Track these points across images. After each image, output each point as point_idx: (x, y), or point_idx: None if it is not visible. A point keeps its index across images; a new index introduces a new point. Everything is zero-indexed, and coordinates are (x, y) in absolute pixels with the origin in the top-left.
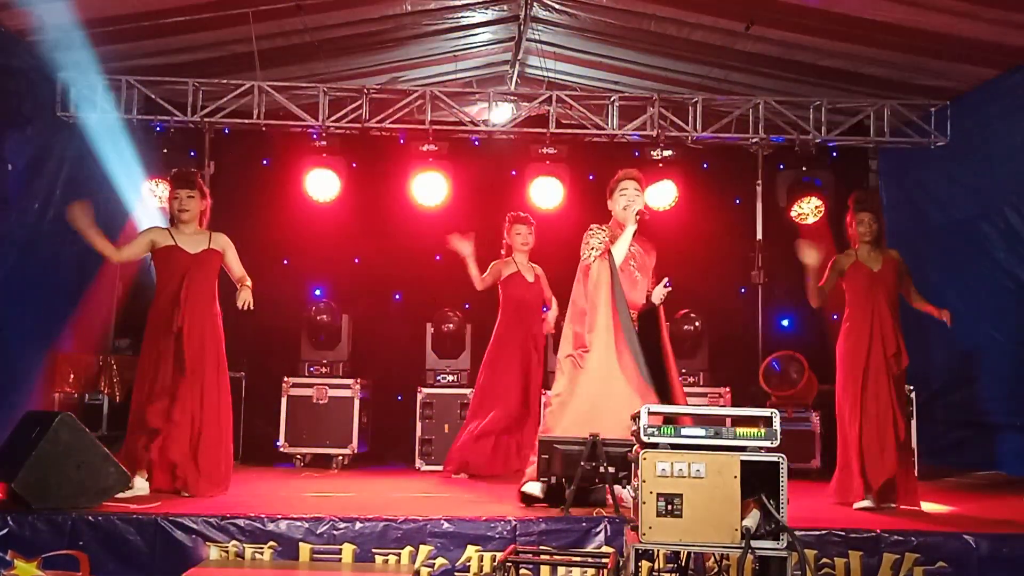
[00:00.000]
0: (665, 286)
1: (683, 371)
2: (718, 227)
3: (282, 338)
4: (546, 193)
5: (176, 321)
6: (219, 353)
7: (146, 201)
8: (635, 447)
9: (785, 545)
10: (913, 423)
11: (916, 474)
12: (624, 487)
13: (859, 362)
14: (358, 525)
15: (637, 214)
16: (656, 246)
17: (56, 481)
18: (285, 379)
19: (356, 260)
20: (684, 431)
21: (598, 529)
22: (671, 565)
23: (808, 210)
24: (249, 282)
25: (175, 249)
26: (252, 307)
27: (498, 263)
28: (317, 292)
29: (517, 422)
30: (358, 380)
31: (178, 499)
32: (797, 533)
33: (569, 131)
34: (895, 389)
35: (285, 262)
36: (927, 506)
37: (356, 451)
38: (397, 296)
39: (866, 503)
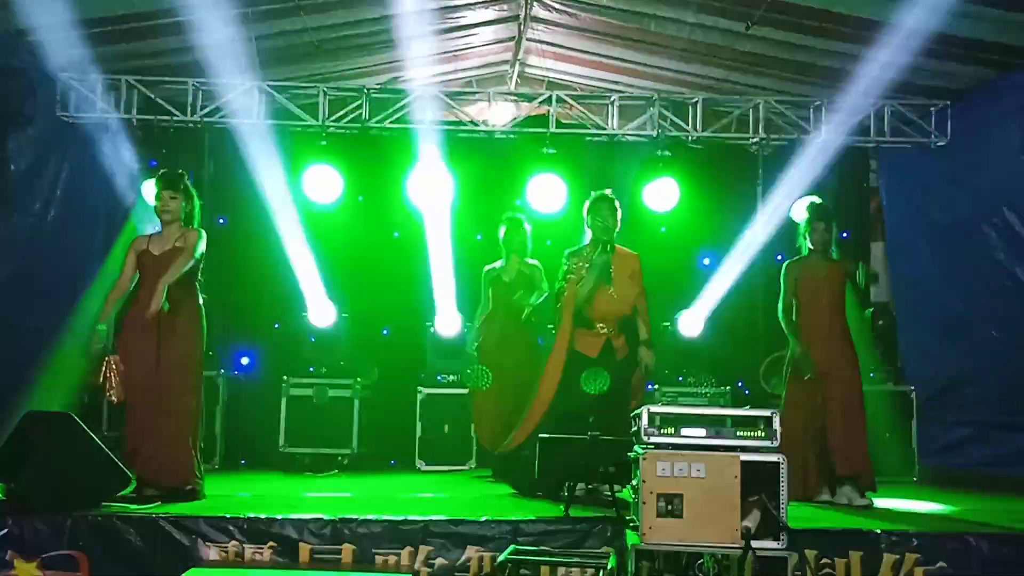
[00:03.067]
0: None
1: (683, 371)
2: (718, 227)
3: (283, 338)
4: (546, 193)
5: (132, 322)
6: (185, 355)
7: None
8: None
9: (785, 545)
10: (913, 423)
11: (869, 466)
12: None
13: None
14: (358, 525)
15: (604, 240)
16: (636, 254)
17: (56, 481)
18: (285, 379)
19: (356, 260)
20: (684, 431)
21: (598, 529)
22: (671, 565)
23: (804, 217)
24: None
25: (145, 252)
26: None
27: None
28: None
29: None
30: (358, 380)
31: (178, 499)
32: (797, 533)
33: (569, 131)
34: (839, 386)
35: (286, 262)
36: (927, 506)
37: (356, 451)
38: (397, 296)
39: (824, 496)
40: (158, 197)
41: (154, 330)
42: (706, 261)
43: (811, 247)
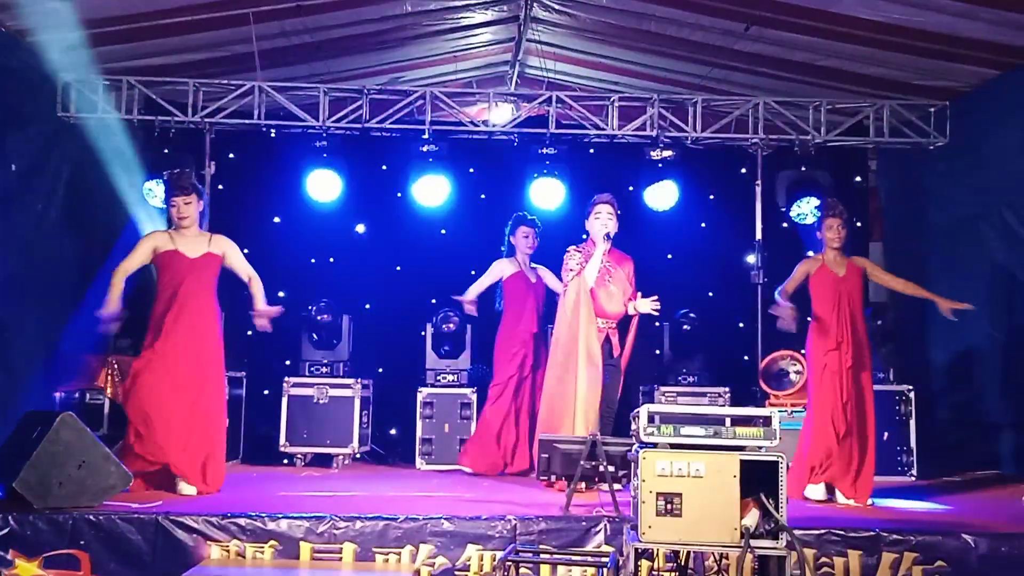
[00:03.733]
0: (655, 304)
1: (683, 371)
2: (718, 227)
3: (282, 338)
4: (546, 193)
5: (175, 325)
6: (217, 356)
7: (147, 202)
8: (635, 446)
9: (784, 544)
10: (912, 423)
11: (873, 471)
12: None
13: (824, 362)
14: (359, 524)
15: (605, 237)
16: (630, 258)
17: (57, 480)
18: (286, 379)
19: (356, 260)
20: (684, 430)
21: (598, 528)
22: (670, 564)
23: (807, 210)
24: (260, 288)
25: (175, 254)
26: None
27: (501, 262)
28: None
29: (514, 417)
30: (358, 380)
31: (179, 498)
32: (796, 532)
33: (569, 131)
34: (859, 388)
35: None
36: (927, 506)
37: (356, 451)
38: (397, 296)
39: (819, 493)
40: (171, 204)
41: (183, 335)
42: (706, 262)
43: (827, 245)
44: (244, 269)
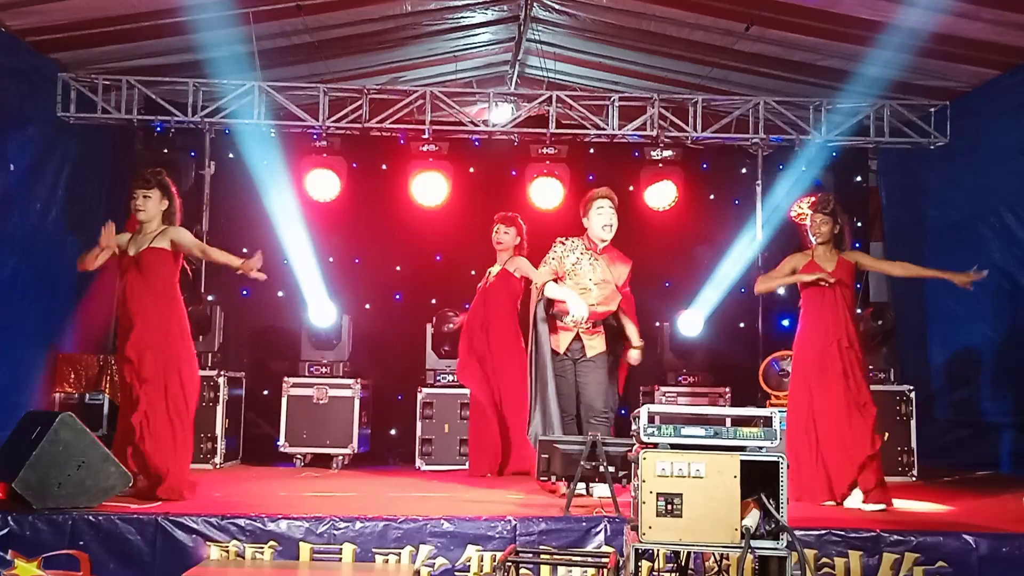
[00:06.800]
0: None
1: (683, 371)
2: (718, 227)
3: (282, 338)
4: (546, 193)
5: (120, 324)
6: (169, 354)
7: None
8: (635, 447)
9: (785, 545)
10: (912, 423)
11: (883, 470)
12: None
13: (812, 360)
14: (358, 525)
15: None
16: (629, 260)
17: (57, 481)
18: (285, 379)
19: (356, 260)
20: (684, 431)
21: (598, 529)
22: (671, 565)
23: (807, 210)
24: (221, 253)
25: (123, 253)
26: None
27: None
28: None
29: (492, 418)
30: (358, 380)
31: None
32: (797, 533)
33: (569, 131)
34: (852, 386)
35: (285, 262)
36: (925, 506)
37: (356, 451)
38: (397, 296)
39: (831, 502)
40: (133, 196)
41: (131, 339)
42: (706, 262)
43: (814, 240)
44: (195, 248)
